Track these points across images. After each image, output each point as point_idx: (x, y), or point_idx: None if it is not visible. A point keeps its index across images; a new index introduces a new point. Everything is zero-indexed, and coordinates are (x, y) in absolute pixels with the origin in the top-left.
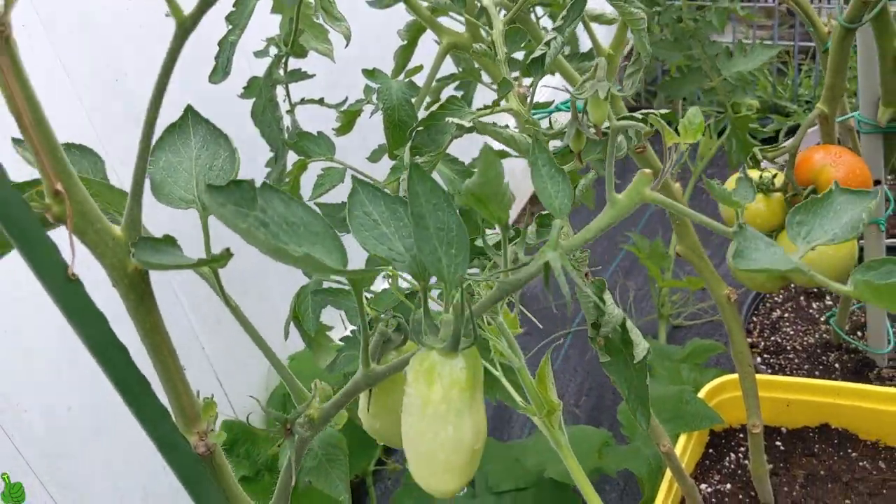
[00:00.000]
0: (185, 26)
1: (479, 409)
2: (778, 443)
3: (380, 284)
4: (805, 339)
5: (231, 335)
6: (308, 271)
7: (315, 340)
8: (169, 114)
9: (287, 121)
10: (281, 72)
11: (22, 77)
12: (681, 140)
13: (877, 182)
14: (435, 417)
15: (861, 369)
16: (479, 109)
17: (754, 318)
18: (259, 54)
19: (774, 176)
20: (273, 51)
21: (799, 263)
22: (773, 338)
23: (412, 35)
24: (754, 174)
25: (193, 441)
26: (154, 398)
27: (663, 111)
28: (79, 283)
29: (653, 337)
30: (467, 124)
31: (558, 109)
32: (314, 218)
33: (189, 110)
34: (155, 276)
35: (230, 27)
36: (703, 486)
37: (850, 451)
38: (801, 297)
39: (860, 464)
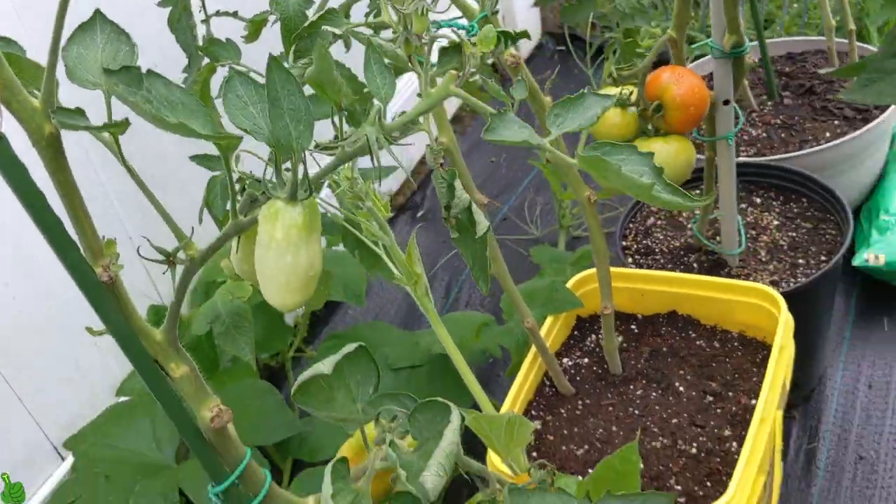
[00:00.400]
0: None
1: (314, 246)
2: (633, 326)
3: None
4: (672, 242)
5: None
6: (181, 135)
7: (222, 222)
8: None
9: (203, 30)
10: None
11: None
12: (478, 49)
13: (726, 102)
14: (278, 249)
15: (715, 268)
16: (356, 23)
17: (630, 225)
18: None
19: (631, 93)
20: None
21: (531, 138)
22: (644, 241)
23: None
24: (614, 90)
25: (99, 272)
26: (65, 233)
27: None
28: (5, 140)
29: (552, 245)
30: (339, 32)
31: (440, 26)
32: (190, 99)
33: (97, 13)
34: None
35: None
36: (565, 359)
37: (691, 333)
38: None
39: (697, 343)
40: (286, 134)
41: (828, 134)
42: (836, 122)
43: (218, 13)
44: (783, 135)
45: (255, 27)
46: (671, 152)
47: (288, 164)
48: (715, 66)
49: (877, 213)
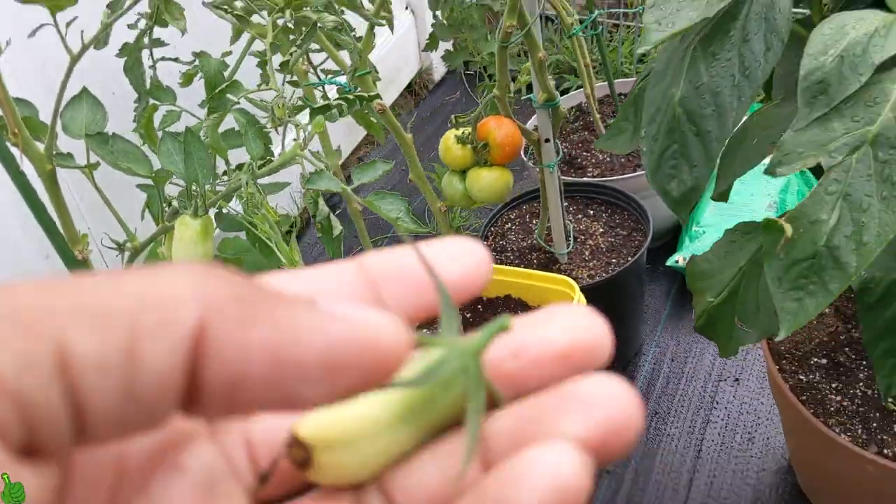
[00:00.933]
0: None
1: (209, 244)
2: (479, 306)
3: None
4: (521, 243)
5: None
6: (129, 174)
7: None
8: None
9: (150, 74)
10: (146, 39)
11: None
12: (313, 129)
13: (546, 140)
14: (186, 244)
15: (550, 264)
16: (249, 90)
17: (492, 229)
18: (131, 26)
19: (469, 134)
20: (143, 23)
21: (335, 187)
22: (500, 242)
23: (236, 30)
24: (457, 132)
25: (76, 253)
26: (56, 228)
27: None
28: (25, 175)
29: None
30: (236, 99)
31: (322, 83)
32: (138, 151)
33: (84, 90)
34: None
35: (110, 12)
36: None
37: (519, 311)
38: (527, 215)
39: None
40: (194, 174)
41: None
42: None
43: (163, 58)
44: (622, 160)
45: (187, 77)
46: (494, 178)
47: (195, 190)
48: (538, 113)
49: (692, 224)
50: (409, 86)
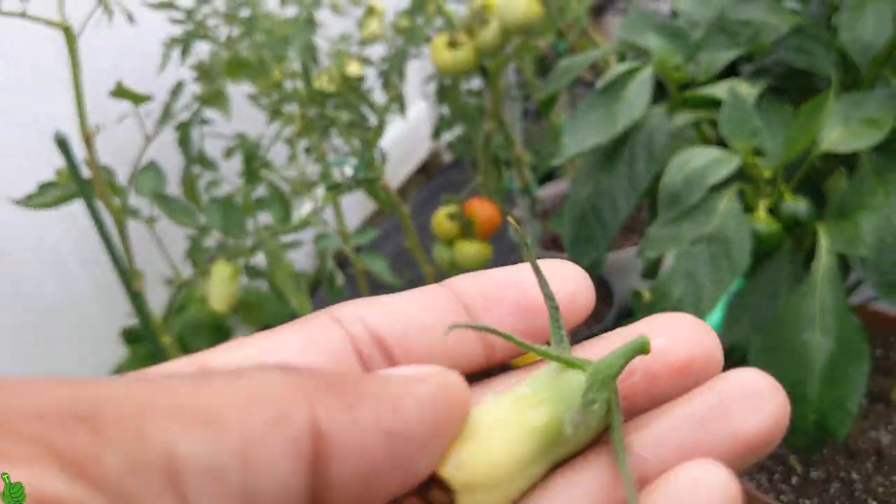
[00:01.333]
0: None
1: (235, 285)
2: None
3: None
4: None
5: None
6: (182, 226)
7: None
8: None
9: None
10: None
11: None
12: (311, 217)
13: (525, 222)
14: (219, 285)
15: None
16: (278, 167)
17: None
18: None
19: (457, 211)
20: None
21: (341, 245)
22: None
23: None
24: (448, 209)
25: (135, 285)
26: (125, 265)
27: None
28: (105, 223)
29: None
30: (268, 175)
31: (339, 163)
32: (190, 209)
33: (152, 163)
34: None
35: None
36: None
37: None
38: None
39: None
40: (229, 228)
41: (627, 244)
42: (636, 237)
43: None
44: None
45: (228, 152)
46: (476, 249)
47: (229, 243)
48: (520, 198)
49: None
50: (423, 165)
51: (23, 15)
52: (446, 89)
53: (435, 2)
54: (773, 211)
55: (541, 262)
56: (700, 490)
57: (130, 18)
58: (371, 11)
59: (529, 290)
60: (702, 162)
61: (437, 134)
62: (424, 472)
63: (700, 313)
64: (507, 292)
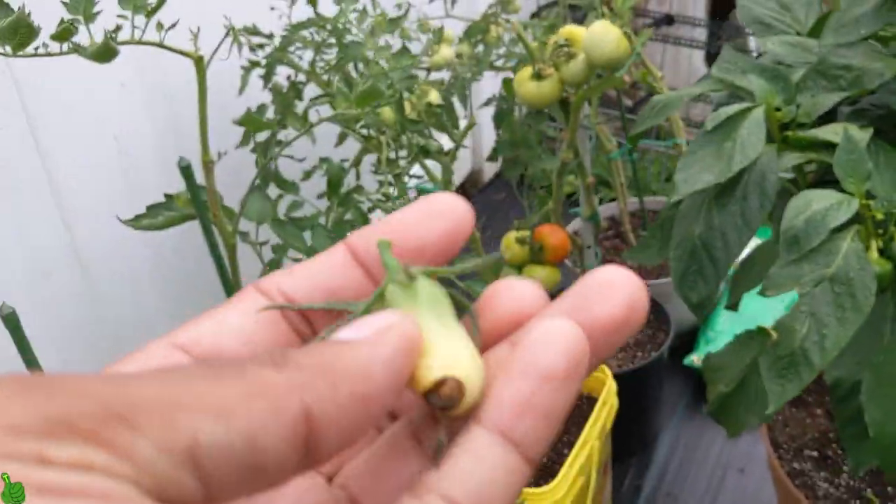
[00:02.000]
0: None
1: None
2: None
3: None
4: None
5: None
6: (293, 249)
7: None
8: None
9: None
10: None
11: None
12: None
13: (588, 246)
14: None
15: None
16: (370, 192)
17: None
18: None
19: (527, 237)
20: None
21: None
22: None
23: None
24: (517, 233)
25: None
26: (230, 279)
27: None
28: (219, 248)
29: None
30: (359, 200)
31: (418, 189)
32: (299, 233)
33: (258, 188)
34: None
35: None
36: None
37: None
38: None
39: None
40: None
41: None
42: None
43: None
44: (648, 268)
45: (307, 175)
46: (545, 275)
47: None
48: (583, 225)
49: (707, 329)
50: (462, 185)
51: (160, 45)
52: (504, 113)
53: (496, 30)
54: (882, 251)
55: (422, 201)
56: (551, 335)
57: (251, 48)
58: (440, 37)
59: (409, 233)
60: (823, 205)
61: (494, 157)
62: (394, 403)
63: (825, 352)
64: (393, 237)
